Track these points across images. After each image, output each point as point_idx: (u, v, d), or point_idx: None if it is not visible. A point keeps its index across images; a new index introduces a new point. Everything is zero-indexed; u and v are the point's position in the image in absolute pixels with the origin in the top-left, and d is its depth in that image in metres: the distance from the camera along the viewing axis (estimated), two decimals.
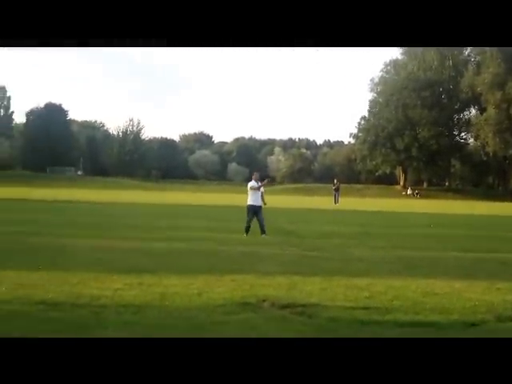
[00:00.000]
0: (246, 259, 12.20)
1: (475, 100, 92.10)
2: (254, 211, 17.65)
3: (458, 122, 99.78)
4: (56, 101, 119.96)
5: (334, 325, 6.73)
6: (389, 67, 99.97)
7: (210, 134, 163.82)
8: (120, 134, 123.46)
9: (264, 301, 7.82)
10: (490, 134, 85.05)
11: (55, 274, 9.36)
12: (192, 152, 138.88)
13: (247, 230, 17.53)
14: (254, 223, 17.78)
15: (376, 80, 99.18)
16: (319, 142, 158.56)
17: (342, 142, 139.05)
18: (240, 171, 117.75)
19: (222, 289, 8.61)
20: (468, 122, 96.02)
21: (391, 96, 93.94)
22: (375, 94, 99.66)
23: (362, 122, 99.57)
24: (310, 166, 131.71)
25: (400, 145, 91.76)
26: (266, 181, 19.83)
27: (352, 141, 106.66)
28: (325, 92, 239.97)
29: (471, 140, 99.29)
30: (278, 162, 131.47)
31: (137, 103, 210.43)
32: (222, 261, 11.84)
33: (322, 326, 6.69)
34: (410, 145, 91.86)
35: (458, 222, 29.37)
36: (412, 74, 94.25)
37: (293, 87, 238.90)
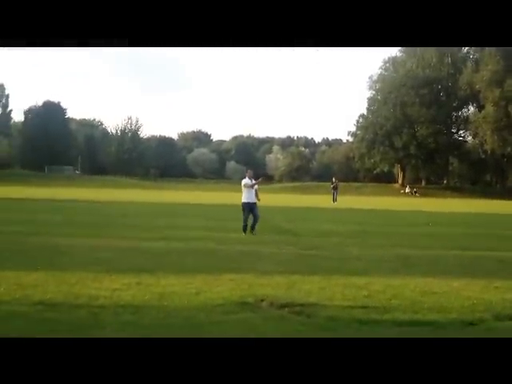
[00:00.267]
0: (244, 258, 12.19)
1: (474, 97, 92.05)
2: (250, 208, 17.74)
3: (457, 120, 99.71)
4: (54, 99, 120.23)
5: (332, 324, 6.74)
6: (387, 65, 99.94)
7: (209, 133, 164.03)
8: (118, 132, 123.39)
9: (262, 300, 7.82)
10: (489, 132, 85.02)
11: (53, 274, 9.34)
12: (190, 150, 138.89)
13: (245, 228, 17.60)
14: (250, 221, 17.78)
15: (374, 77, 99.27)
16: (317, 140, 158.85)
17: (341, 140, 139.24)
18: (238, 169, 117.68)
19: (220, 288, 8.61)
20: (466, 120, 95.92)
21: (389, 94, 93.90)
22: (374, 92, 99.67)
23: (361, 120, 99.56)
24: (308, 164, 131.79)
25: (398, 143, 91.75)
26: (260, 179, 19.89)
27: (350, 139, 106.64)
28: (323, 90, 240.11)
29: (469, 138, 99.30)
30: (276, 160, 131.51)
31: (135, 101, 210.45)
32: (221, 260, 11.83)
33: (321, 325, 6.69)
34: (409, 143, 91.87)
35: (456, 220, 29.40)
36: (410, 72, 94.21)
37: (291, 85, 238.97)
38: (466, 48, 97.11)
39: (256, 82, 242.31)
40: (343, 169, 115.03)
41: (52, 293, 7.93)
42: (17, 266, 10.01)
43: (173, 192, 67.16)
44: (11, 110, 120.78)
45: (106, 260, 11.20)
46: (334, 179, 49.89)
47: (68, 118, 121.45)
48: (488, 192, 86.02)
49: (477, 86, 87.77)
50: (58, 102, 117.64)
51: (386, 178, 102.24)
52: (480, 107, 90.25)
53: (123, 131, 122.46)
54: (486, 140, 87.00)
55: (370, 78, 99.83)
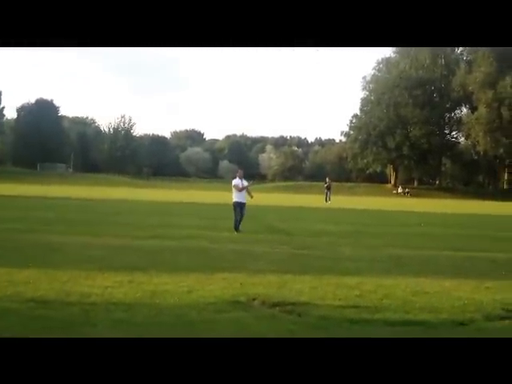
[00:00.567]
0: (236, 257, 12.20)
1: (467, 99, 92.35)
2: (240, 207, 17.90)
3: (450, 121, 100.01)
4: (47, 97, 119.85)
5: (324, 323, 6.75)
6: (381, 65, 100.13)
7: (202, 131, 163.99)
8: (111, 130, 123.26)
9: (254, 299, 7.84)
10: (481, 133, 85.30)
11: (45, 272, 9.32)
12: (183, 149, 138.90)
13: (236, 227, 17.78)
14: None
15: (368, 78, 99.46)
16: (310, 140, 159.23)
17: (334, 140, 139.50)
18: (231, 169, 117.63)
19: (212, 287, 8.62)
20: (459, 121, 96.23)
21: (383, 94, 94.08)
22: (367, 92, 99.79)
23: (354, 121, 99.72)
24: (301, 164, 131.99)
25: (391, 143, 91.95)
26: (251, 182, 20.14)
27: (343, 139, 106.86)
28: (316, 90, 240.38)
29: (462, 139, 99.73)
30: (269, 159, 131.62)
31: (128, 100, 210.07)
32: (213, 259, 11.84)
33: (312, 324, 6.71)
34: (401, 143, 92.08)
35: (448, 221, 29.49)
36: (404, 73, 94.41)
37: (284, 85, 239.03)
38: (459, 49, 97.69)
39: (249, 82, 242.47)
40: (336, 169, 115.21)
41: (44, 290, 7.92)
42: (8, 263, 9.97)
43: (166, 191, 67.08)
44: (4, 108, 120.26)
45: (99, 258, 11.18)
46: (327, 179, 49.98)
47: (61, 115, 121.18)
48: (480, 193, 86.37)
49: (470, 88, 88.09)
50: (51, 100, 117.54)
51: (379, 179, 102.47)
52: (473, 108, 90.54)
53: (116, 129, 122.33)
54: (478, 141, 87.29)
55: (364, 78, 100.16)
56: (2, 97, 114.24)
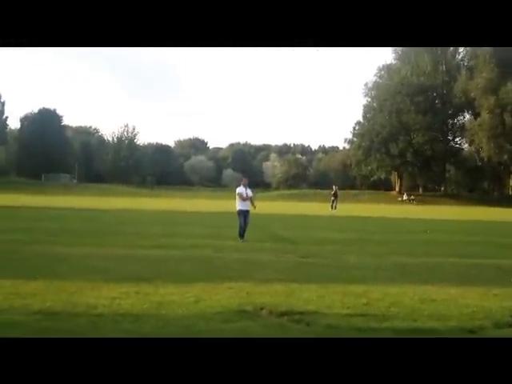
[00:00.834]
0: (242, 266, 12.17)
1: (469, 105, 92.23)
2: (244, 215, 17.89)
3: (452, 127, 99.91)
4: (50, 106, 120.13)
5: (331, 332, 6.72)
6: (382, 72, 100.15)
7: (205, 140, 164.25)
8: (115, 139, 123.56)
9: (262, 308, 7.80)
10: (485, 139, 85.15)
11: (52, 283, 9.31)
12: (187, 158, 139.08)
13: (241, 234, 17.87)
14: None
15: (370, 85, 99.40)
16: (314, 147, 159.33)
17: (337, 147, 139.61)
18: (235, 177, 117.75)
19: (219, 296, 8.60)
20: (462, 127, 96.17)
21: (385, 101, 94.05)
22: (369, 99, 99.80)
23: (357, 128, 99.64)
24: (305, 171, 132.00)
25: (394, 150, 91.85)
26: (255, 192, 20.18)
27: (347, 146, 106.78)
28: (319, 98, 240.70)
29: (466, 145, 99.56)
30: (273, 167, 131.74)
31: (132, 109, 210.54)
32: (219, 268, 11.81)
33: (320, 333, 6.68)
34: (405, 150, 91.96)
35: (453, 228, 29.41)
36: (405, 79, 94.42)
37: (287, 94, 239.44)
38: (460, 56, 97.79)
39: (252, 91, 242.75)
40: (340, 176, 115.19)
41: (51, 301, 7.90)
42: (14, 275, 9.96)
43: (170, 200, 67.13)
44: (7, 118, 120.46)
45: (104, 268, 11.16)
46: (334, 187, 49.62)
47: (64, 125, 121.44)
48: (485, 199, 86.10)
49: (472, 94, 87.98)
50: (54, 110, 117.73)
51: (384, 186, 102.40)
52: (475, 114, 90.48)
53: (120, 139, 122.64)
54: (482, 147, 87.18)
55: (366, 85, 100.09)
56: (5, 107, 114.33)
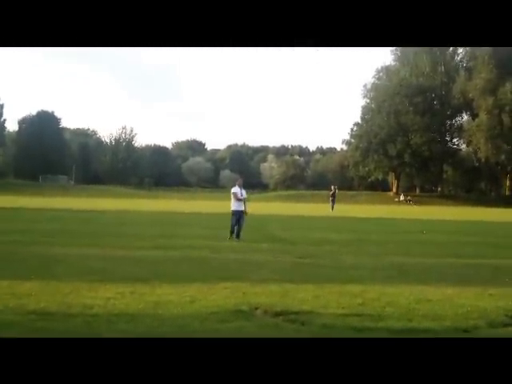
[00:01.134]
0: (239, 267, 12.18)
1: (467, 106, 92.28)
2: (238, 215, 18.04)
3: (450, 128, 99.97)
4: (48, 108, 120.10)
5: (327, 332, 6.73)
6: (381, 73, 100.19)
7: (203, 141, 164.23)
8: (113, 141, 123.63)
9: (257, 308, 7.81)
10: (482, 140, 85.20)
11: (47, 284, 9.32)
12: (185, 159, 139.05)
13: (232, 232, 18.26)
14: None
15: (368, 86, 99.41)
16: (312, 148, 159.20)
17: (335, 148, 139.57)
18: (233, 178, 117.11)
19: (215, 296, 8.61)
20: (460, 128, 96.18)
21: (383, 102, 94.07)
22: (368, 100, 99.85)
23: (355, 129, 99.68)
24: (302, 172, 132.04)
25: (392, 151, 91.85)
26: (248, 195, 20.43)
27: (345, 147, 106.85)
28: (317, 98, 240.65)
29: (463, 146, 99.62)
30: (270, 168, 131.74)
31: (129, 111, 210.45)
32: (215, 268, 11.81)
33: (316, 333, 6.68)
34: (403, 151, 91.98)
35: (450, 228, 29.44)
36: (404, 80, 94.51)
37: (285, 95, 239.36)
38: (459, 57, 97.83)
39: (249, 92, 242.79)
40: (338, 177, 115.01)
41: (46, 302, 7.90)
42: (11, 275, 9.96)
43: (167, 201, 67.09)
44: (5, 120, 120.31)
45: (101, 269, 11.16)
46: (332, 187, 49.40)
47: (62, 127, 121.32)
48: (483, 200, 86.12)
49: (470, 95, 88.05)
50: (52, 112, 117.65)
51: (381, 186, 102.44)
52: (474, 115, 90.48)
53: (117, 140, 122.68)
54: (479, 148, 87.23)
55: (364, 86, 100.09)
56: (4, 109, 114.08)
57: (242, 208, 18.46)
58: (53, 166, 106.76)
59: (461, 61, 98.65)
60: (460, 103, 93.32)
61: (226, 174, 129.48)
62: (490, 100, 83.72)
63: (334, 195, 48.12)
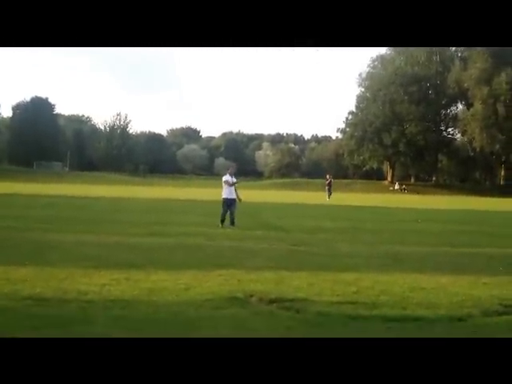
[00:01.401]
0: (234, 254, 12.18)
1: (462, 95, 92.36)
2: (229, 203, 18.13)
3: (445, 118, 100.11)
4: (42, 95, 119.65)
5: (321, 319, 6.75)
6: (376, 62, 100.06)
7: (198, 129, 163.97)
8: (107, 128, 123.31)
9: (252, 296, 7.83)
10: (477, 130, 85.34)
11: (42, 270, 9.30)
12: (180, 146, 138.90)
13: (222, 221, 18.33)
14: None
15: (363, 75, 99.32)
16: (307, 136, 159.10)
17: (330, 136, 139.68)
18: (228, 166, 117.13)
19: (210, 284, 8.62)
20: (455, 118, 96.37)
21: (378, 91, 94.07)
22: (363, 89, 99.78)
23: (350, 117, 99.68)
24: (297, 160, 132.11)
25: (387, 140, 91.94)
26: (239, 179, 20.52)
27: (340, 136, 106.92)
28: (312, 87, 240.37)
29: (458, 135, 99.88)
30: (265, 156, 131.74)
31: (124, 98, 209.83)
32: (210, 256, 11.82)
33: (310, 320, 6.71)
34: (398, 140, 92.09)
35: (445, 217, 29.51)
36: (399, 69, 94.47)
37: (280, 83, 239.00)
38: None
39: (245, 79, 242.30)
40: (333, 165, 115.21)
41: (41, 288, 7.90)
42: (5, 262, 9.95)
43: (162, 188, 67.06)
44: None
45: (96, 255, 11.15)
46: (328, 176, 49.28)
47: (56, 113, 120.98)
48: (477, 189, 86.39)
49: (465, 84, 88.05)
50: (46, 98, 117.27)
51: (376, 175, 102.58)
52: (468, 105, 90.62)
53: (112, 127, 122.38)
54: (474, 137, 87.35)
55: (360, 75, 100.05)
56: None
57: (234, 196, 18.57)
58: (47, 152, 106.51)
59: (456, 50, 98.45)
60: (455, 93, 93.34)
61: (220, 161, 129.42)
62: (485, 90, 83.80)
63: (330, 184, 48.07)
